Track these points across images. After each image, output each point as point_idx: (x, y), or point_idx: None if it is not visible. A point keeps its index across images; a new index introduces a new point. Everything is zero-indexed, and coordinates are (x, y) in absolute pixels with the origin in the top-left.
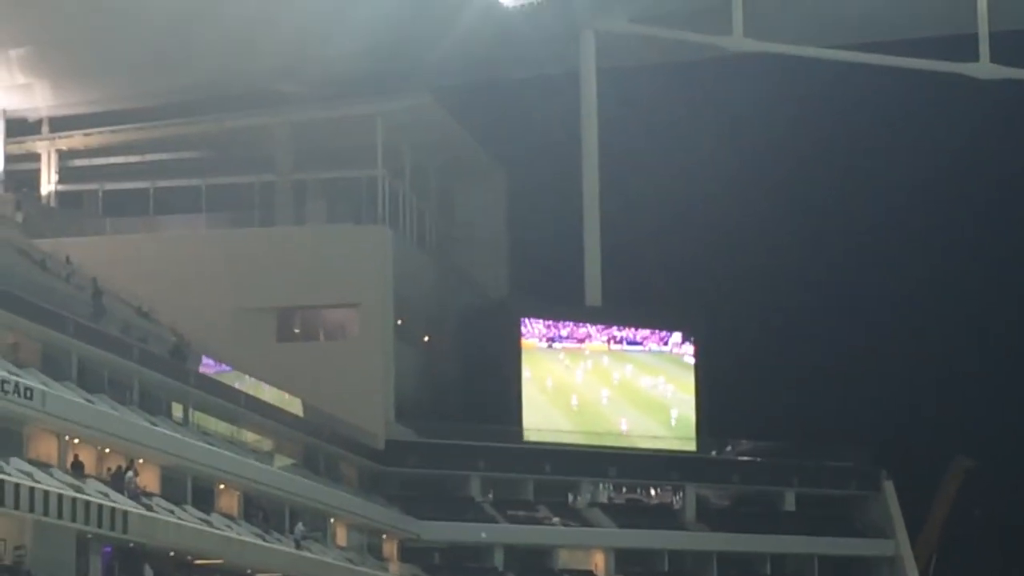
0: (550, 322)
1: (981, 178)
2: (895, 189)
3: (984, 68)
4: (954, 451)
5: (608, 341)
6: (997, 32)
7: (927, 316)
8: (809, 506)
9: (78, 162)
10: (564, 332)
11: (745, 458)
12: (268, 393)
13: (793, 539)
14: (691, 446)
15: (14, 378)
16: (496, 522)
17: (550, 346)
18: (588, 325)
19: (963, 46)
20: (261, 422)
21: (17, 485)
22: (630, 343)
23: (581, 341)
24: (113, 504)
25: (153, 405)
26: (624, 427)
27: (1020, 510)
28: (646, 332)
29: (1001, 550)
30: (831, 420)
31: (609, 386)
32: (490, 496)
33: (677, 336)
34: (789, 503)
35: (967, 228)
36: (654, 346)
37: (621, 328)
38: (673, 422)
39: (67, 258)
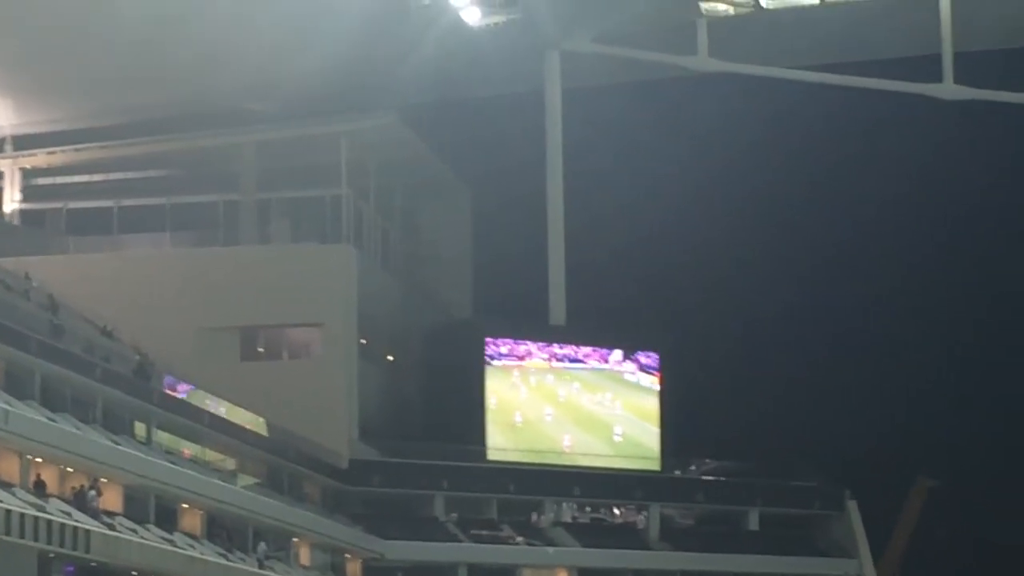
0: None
1: (945, 198)
2: (859, 209)
3: (948, 89)
4: (917, 471)
5: (550, 359)
6: (961, 53)
7: (890, 336)
8: (773, 525)
9: (42, 180)
10: (504, 349)
11: (709, 477)
12: (232, 412)
13: (757, 558)
14: (653, 465)
15: None
16: (460, 541)
17: (489, 363)
18: (528, 343)
19: (927, 67)
20: (225, 441)
21: None
22: (571, 360)
23: (522, 359)
24: (75, 523)
25: (116, 424)
26: (567, 444)
27: (983, 529)
28: (587, 349)
29: (964, 570)
30: (795, 440)
31: (553, 404)
32: (454, 515)
33: (618, 354)
34: (753, 522)
35: (931, 247)
36: (595, 363)
37: (562, 346)
38: (617, 438)
39: (26, 274)
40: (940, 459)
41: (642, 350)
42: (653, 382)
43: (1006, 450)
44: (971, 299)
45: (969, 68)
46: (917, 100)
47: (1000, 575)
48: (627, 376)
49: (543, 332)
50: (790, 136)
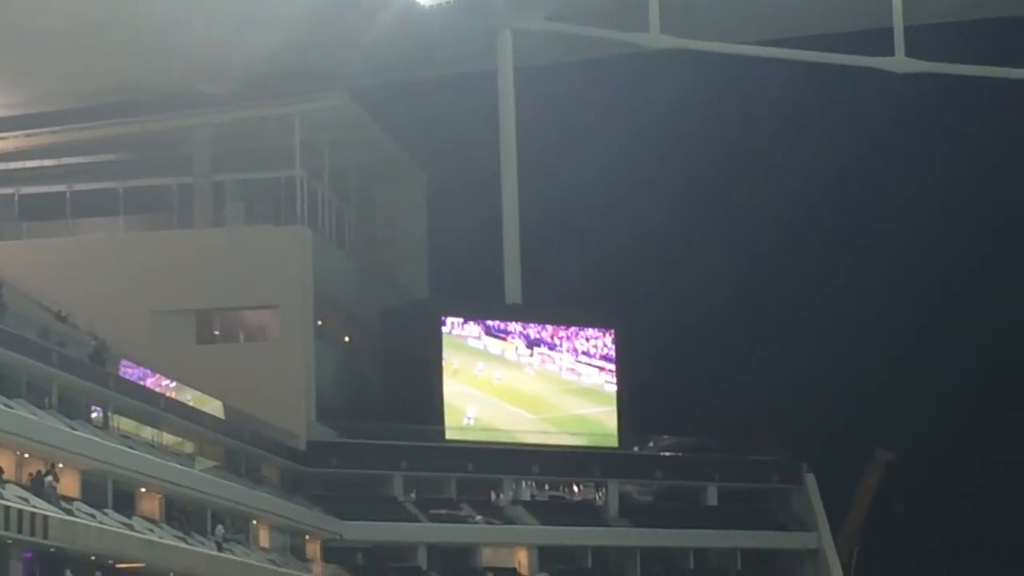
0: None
1: (897, 172)
2: (812, 184)
3: (899, 62)
4: (874, 444)
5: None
6: (912, 26)
7: (844, 310)
8: (731, 500)
9: None
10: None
11: (667, 453)
12: (189, 395)
13: (715, 533)
14: (612, 442)
15: None
16: (419, 521)
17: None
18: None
19: (879, 40)
20: (182, 425)
21: None
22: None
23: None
24: (33, 509)
25: (72, 409)
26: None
27: (940, 502)
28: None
29: (922, 542)
30: (752, 415)
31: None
32: (412, 495)
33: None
34: (711, 498)
35: (885, 222)
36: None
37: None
38: (575, 415)
39: None
40: (897, 433)
41: (598, 327)
42: (608, 364)
43: (961, 423)
44: (926, 273)
45: (921, 41)
46: (870, 74)
47: (956, 547)
48: (580, 359)
49: (499, 311)
50: (743, 112)
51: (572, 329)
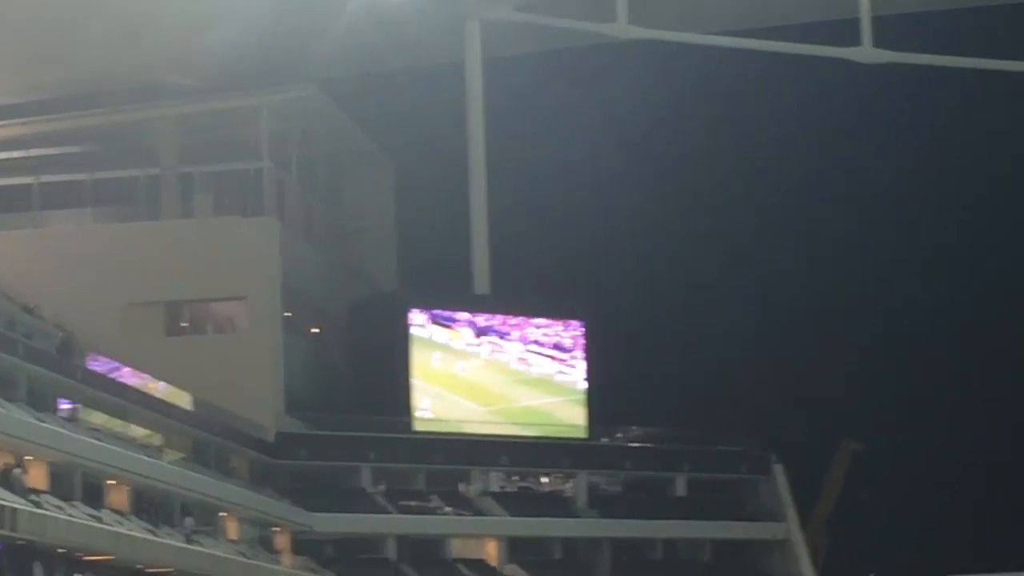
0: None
1: (865, 162)
2: (781, 174)
3: (866, 52)
4: (841, 435)
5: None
6: (879, 16)
7: (811, 300)
8: (700, 491)
9: None
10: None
11: (636, 444)
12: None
13: (685, 524)
14: (580, 433)
15: None
16: (388, 512)
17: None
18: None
19: (846, 31)
20: (150, 416)
21: None
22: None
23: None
24: (2, 502)
25: (40, 402)
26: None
27: (907, 491)
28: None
29: (890, 530)
30: (720, 405)
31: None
32: (381, 487)
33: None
34: (680, 488)
35: (852, 211)
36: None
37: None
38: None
39: None
40: (864, 423)
41: (567, 319)
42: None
43: (928, 413)
44: (895, 263)
45: (887, 32)
46: (837, 64)
47: (924, 536)
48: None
49: (468, 302)
50: (712, 102)
51: (521, 319)
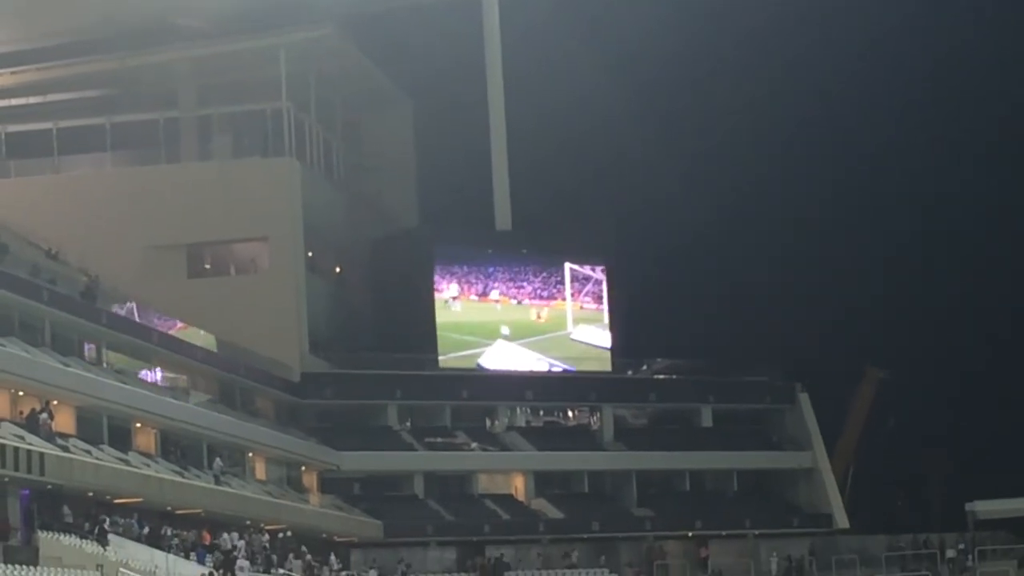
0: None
1: (883, 88)
2: (799, 103)
3: None
4: (866, 362)
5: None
6: None
7: (835, 230)
8: (726, 422)
9: None
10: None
11: (661, 377)
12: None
13: (711, 455)
14: (605, 366)
15: None
16: (414, 450)
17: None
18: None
19: None
20: (175, 359)
21: None
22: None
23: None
24: (29, 447)
25: (65, 346)
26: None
27: (931, 417)
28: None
29: (915, 457)
30: (745, 336)
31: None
32: (408, 424)
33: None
34: (706, 419)
35: (872, 139)
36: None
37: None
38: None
39: None
40: (889, 350)
41: (590, 255)
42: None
43: (953, 339)
44: (917, 193)
45: None
46: None
47: (949, 462)
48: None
49: (489, 239)
50: (731, 29)
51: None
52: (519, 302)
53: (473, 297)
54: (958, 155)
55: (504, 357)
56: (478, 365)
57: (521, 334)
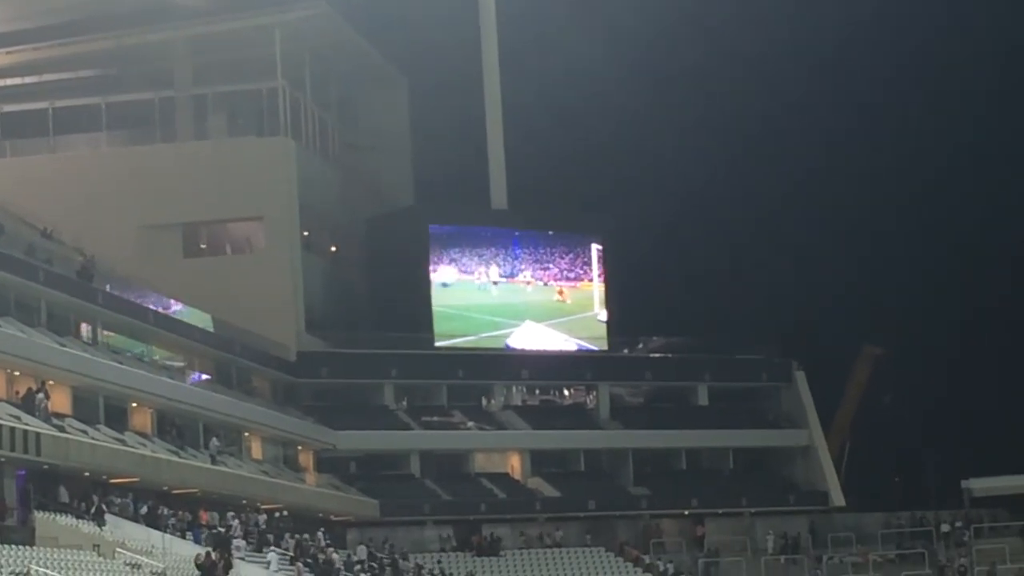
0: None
1: (880, 58)
2: (795, 73)
3: None
4: (862, 340)
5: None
6: None
7: (829, 207)
8: (722, 400)
9: None
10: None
11: (657, 355)
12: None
13: (707, 433)
14: (601, 345)
15: None
16: (411, 429)
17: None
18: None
19: None
20: (171, 338)
21: None
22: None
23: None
24: (25, 427)
25: (61, 326)
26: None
27: (928, 395)
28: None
29: (911, 435)
30: (741, 314)
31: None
32: (404, 403)
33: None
34: (702, 398)
35: (867, 110)
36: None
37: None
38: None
39: None
40: (885, 327)
41: (584, 231)
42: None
43: (949, 317)
44: (914, 167)
45: None
46: None
47: (945, 440)
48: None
49: (485, 216)
50: (726, 4)
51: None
52: (545, 283)
53: (503, 279)
54: (955, 129)
55: (531, 337)
56: (506, 345)
57: (548, 315)
